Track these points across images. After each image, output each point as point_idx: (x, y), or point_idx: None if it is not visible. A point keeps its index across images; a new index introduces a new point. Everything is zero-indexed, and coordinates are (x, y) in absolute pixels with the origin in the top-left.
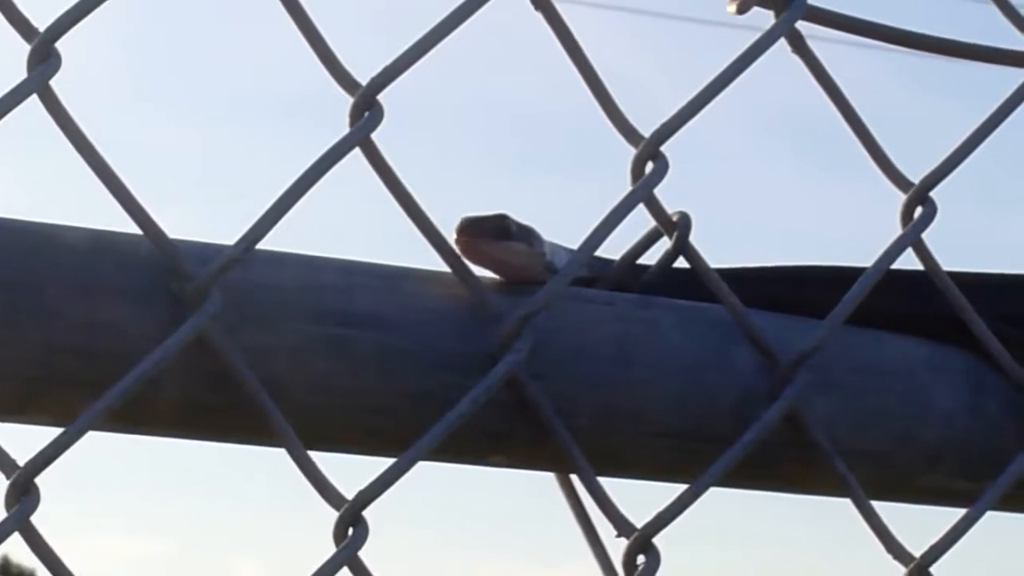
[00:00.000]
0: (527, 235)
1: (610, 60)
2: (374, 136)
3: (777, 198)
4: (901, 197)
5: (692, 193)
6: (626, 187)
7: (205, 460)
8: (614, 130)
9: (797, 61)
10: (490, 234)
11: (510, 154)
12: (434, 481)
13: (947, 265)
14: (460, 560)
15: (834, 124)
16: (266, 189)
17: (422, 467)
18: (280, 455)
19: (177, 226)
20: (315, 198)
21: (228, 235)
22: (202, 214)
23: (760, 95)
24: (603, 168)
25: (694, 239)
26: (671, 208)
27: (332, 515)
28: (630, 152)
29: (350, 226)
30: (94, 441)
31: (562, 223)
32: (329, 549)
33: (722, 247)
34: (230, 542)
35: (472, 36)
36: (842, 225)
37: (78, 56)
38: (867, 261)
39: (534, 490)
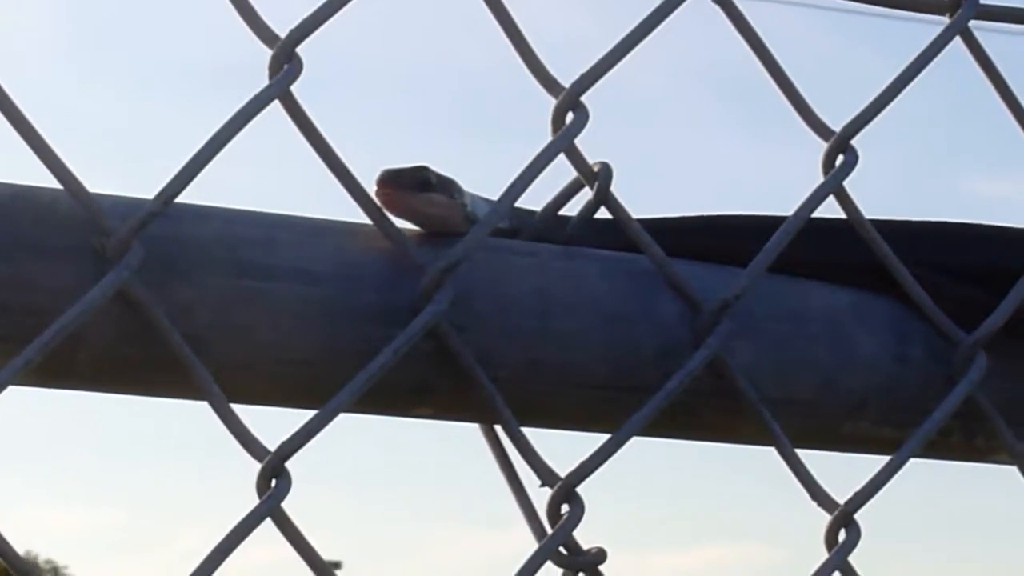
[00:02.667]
0: (447, 186)
1: (553, 22)
2: (293, 89)
3: (710, 153)
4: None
5: (622, 149)
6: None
7: (153, 430)
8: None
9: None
10: (410, 186)
11: (448, 118)
12: (374, 454)
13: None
14: (410, 529)
15: (764, 79)
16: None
17: (363, 432)
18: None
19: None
20: (237, 152)
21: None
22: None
23: (693, 51)
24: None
25: (616, 190)
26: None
27: None
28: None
29: (272, 181)
30: (35, 413)
31: (498, 186)
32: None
33: (652, 203)
34: (179, 511)
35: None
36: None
37: (12, 19)
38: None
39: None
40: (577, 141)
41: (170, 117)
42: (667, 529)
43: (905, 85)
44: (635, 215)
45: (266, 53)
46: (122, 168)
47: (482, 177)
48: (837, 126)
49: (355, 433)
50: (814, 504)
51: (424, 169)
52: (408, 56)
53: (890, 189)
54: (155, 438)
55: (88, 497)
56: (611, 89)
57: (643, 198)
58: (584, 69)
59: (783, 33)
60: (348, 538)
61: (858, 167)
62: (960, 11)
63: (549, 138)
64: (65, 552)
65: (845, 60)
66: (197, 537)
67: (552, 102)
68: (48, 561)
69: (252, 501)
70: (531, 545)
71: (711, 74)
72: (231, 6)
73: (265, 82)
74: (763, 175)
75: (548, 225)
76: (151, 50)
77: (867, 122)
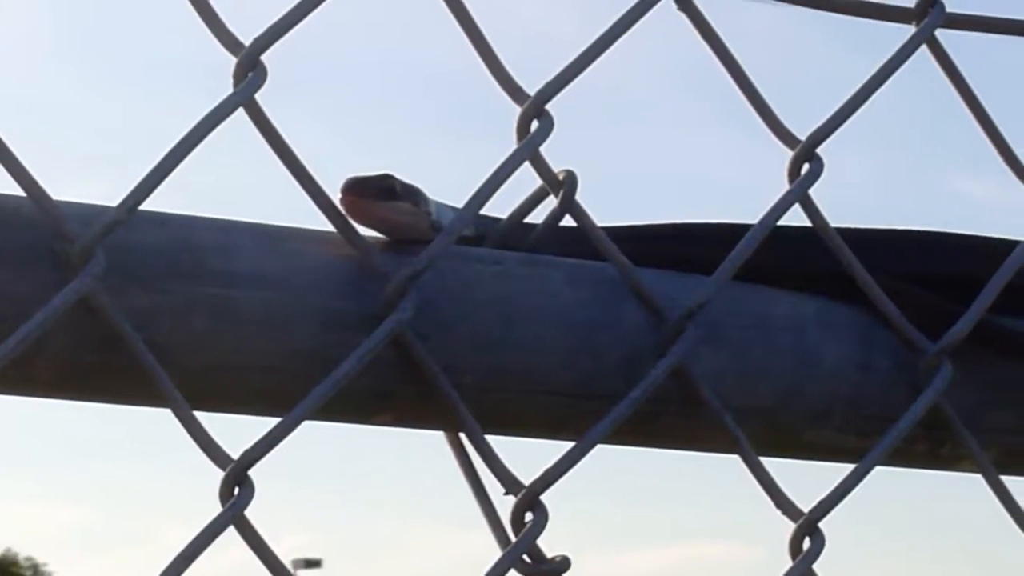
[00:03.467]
0: (412, 194)
1: (526, 16)
2: (258, 96)
3: (691, 152)
4: (788, 154)
5: (604, 149)
6: (512, 146)
7: (131, 430)
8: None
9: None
10: (375, 194)
11: (418, 117)
12: (353, 454)
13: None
14: (390, 529)
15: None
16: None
17: (342, 432)
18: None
19: (83, 190)
20: (200, 160)
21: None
22: (118, 177)
23: (675, 50)
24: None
25: (581, 197)
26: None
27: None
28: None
29: (234, 188)
30: (12, 411)
31: (471, 185)
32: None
33: (634, 201)
34: (157, 509)
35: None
36: (757, 176)
37: None
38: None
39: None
40: (546, 147)
41: (158, 115)
42: (642, 528)
43: (871, 93)
44: (603, 222)
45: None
46: (109, 165)
47: (456, 176)
48: (810, 126)
49: (335, 433)
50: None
51: (389, 177)
52: (381, 54)
53: (874, 189)
54: (133, 437)
55: (67, 495)
56: (592, 90)
57: (625, 197)
58: (549, 77)
59: (755, 31)
60: (328, 537)
61: (837, 167)
62: (926, 20)
63: (514, 146)
64: (45, 550)
65: (818, 57)
66: (175, 535)
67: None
68: (28, 558)
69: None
70: (497, 551)
71: (693, 73)
72: (192, 8)
73: (229, 89)
74: (745, 172)
75: (513, 232)
76: (137, 48)
77: (833, 131)
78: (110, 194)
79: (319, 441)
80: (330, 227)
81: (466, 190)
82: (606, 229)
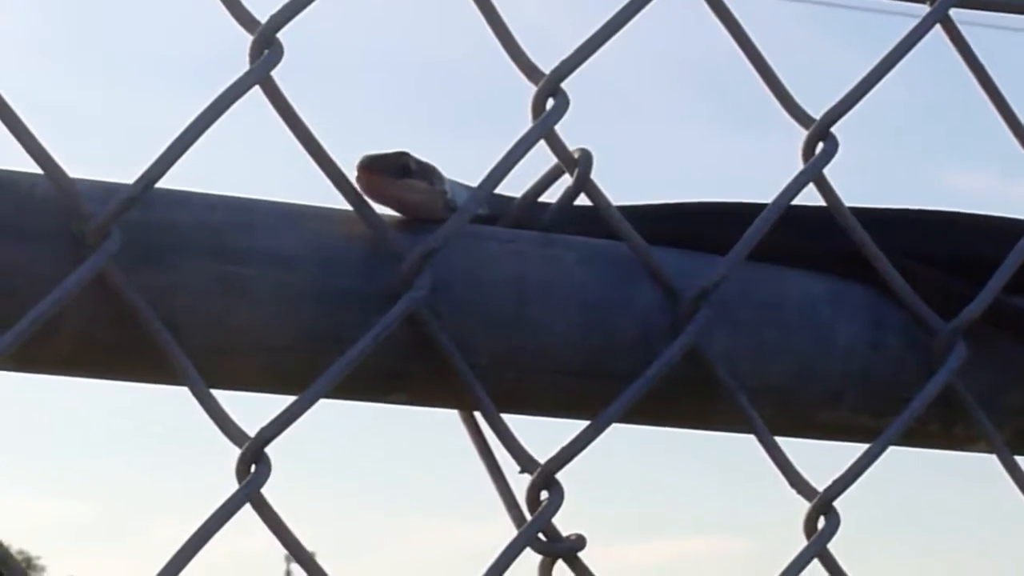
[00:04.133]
0: (427, 173)
1: (526, 16)
2: (274, 74)
3: (686, 146)
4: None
5: (600, 143)
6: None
7: (124, 423)
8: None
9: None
10: (390, 171)
11: (425, 106)
12: (347, 444)
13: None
14: (385, 520)
15: (743, 76)
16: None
17: (335, 422)
18: (187, 397)
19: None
20: (216, 138)
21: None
22: (112, 173)
23: (670, 46)
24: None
25: (596, 177)
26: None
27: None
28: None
29: (251, 166)
30: (5, 403)
31: (476, 176)
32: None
33: (630, 195)
34: (150, 503)
35: None
36: (751, 170)
37: None
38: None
39: (451, 445)
40: (557, 128)
41: (150, 110)
42: (637, 521)
43: (885, 73)
44: (614, 203)
45: (245, 40)
46: (103, 161)
47: (459, 168)
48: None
49: (328, 422)
50: (791, 493)
51: (404, 155)
52: (385, 44)
53: (872, 183)
54: (125, 432)
55: (60, 489)
56: (589, 83)
57: (621, 190)
58: (564, 56)
59: (765, 27)
60: (321, 529)
61: (838, 158)
62: None
63: (529, 124)
64: (38, 543)
65: (827, 56)
66: (169, 528)
67: (532, 89)
68: (21, 552)
69: (231, 487)
70: (509, 534)
71: (687, 69)
72: None
73: (245, 67)
74: (739, 166)
75: (527, 212)
76: (129, 43)
77: (847, 110)
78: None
79: (309, 429)
80: (345, 205)
81: (463, 177)
82: (620, 208)
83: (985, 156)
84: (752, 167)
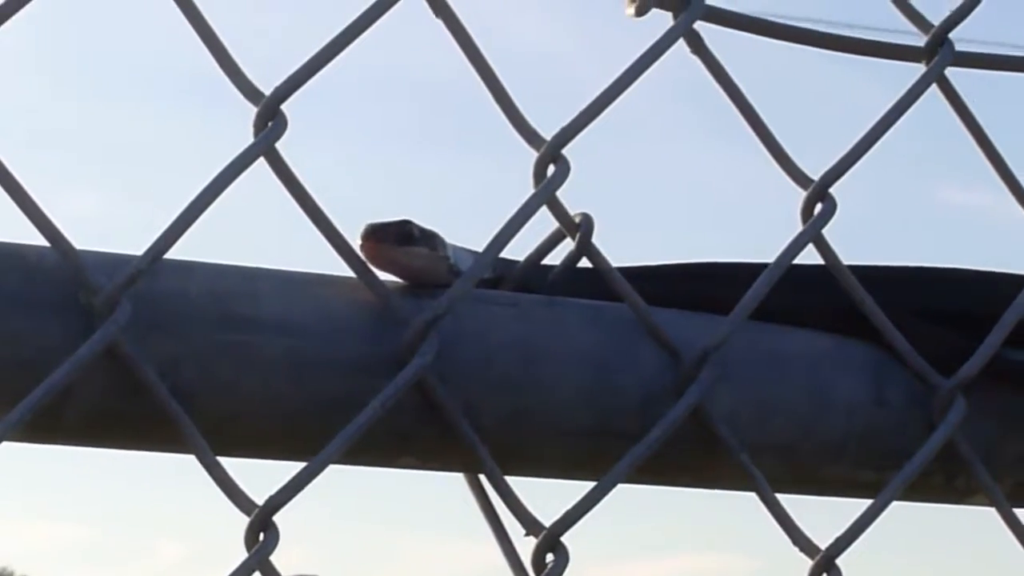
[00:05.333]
0: (430, 239)
1: (527, 35)
2: (278, 145)
3: (688, 166)
4: (802, 193)
5: (601, 164)
6: (529, 188)
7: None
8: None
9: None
10: (393, 239)
11: (416, 132)
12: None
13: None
14: (385, 540)
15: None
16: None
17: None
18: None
19: (71, 203)
20: (221, 205)
21: (128, 215)
22: (106, 188)
23: (670, 65)
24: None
25: (598, 239)
26: (576, 207)
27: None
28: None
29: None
30: None
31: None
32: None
33: (634, 215)
34: (152, 526)
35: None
36: (751, 189)
37: None
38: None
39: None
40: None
41: (146, 127)
42: (640, 539)
43: (883, 133)
44: (617, 261)
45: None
46: (97, 179)
47: (456, 190)
48: (821, 152)
49: None
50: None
51: (407, 223)
52: (381, 68)
53: (864, 199)
54: (129, 455)
55: (64, 513)
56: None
57: (626, 211)
58: (565, 122)
59: (772, 61)
60: (322, 550)
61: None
62: (936, 59)
63: (531, 190)
64: (42, 567)
65: (838, 86)
66: (173, 551)
67: (534, 155)
68: None
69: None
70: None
71: (689, 88)
72: (211, 56)
73: (250, 138)
74: (739, 185)
75: (530, 274)
76: (122, 57)
77: (845, 170)
78: (98, 208)
79: None
80: (351, 273)
81: (466, 204)
82: (622, 270)
83: (979, 173)
84: (751, 184)
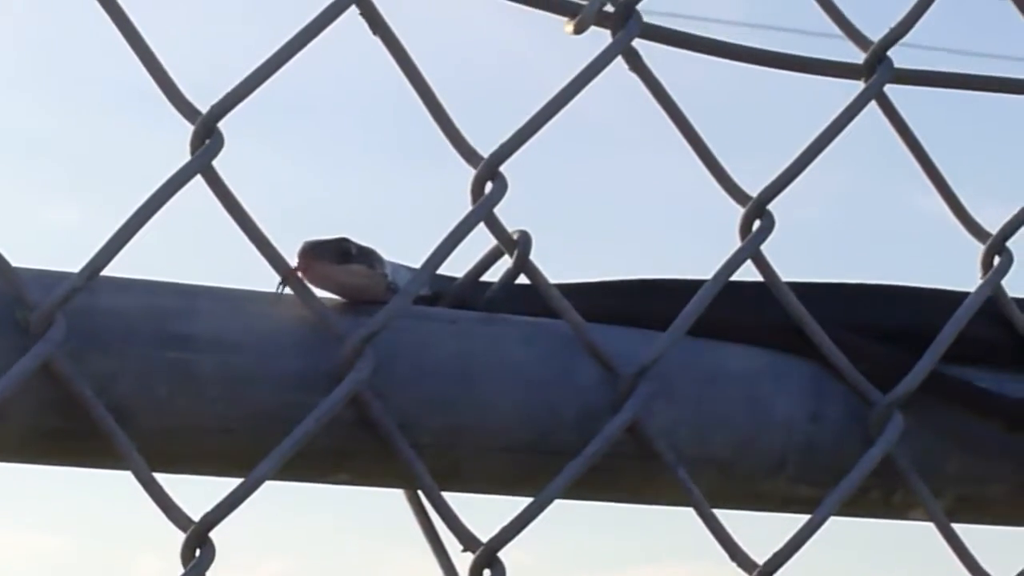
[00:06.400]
0: (367, 257)
1: (495, 35)
2: (215, 163)
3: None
4: (739, 210)
5: (567, 173)
6: (466, 206)
7: None
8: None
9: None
10: (330, 257)
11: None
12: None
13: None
14: (364, 551)
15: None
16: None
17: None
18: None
19: (52, 218)
20: (158, 222)
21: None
22: (84, 203)
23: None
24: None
25: (536, 256)
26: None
27: (242, 509)
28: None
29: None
30: None
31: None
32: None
33: (602, 223)
34: (129, 538)
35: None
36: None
37: None
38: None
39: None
40: (498, 210)
41: (125, 141)
42: (622, 548)
43: (821, 150)
44: (553, 279)
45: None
46: (77, 193)
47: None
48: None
49: None
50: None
51: (344, 241)
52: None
53: (836, 205)
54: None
55: (41, 524)
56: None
57: (594, 220)
58: (503, 139)
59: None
60: (300, 561)
61: (792, 193)
62: (874, 77)
63: (468, 207)
64: None
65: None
66: (149, 565)
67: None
68: None
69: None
70: None
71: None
72: (148, 75)
73: (186, 156)
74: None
75: (469, 291)
76: (102, 74)
77: (782, 188)
78: (79, 222)
79: None
80: (288, 290)
81: (410, 218)
82: (559, 286)
83: (954, 180)
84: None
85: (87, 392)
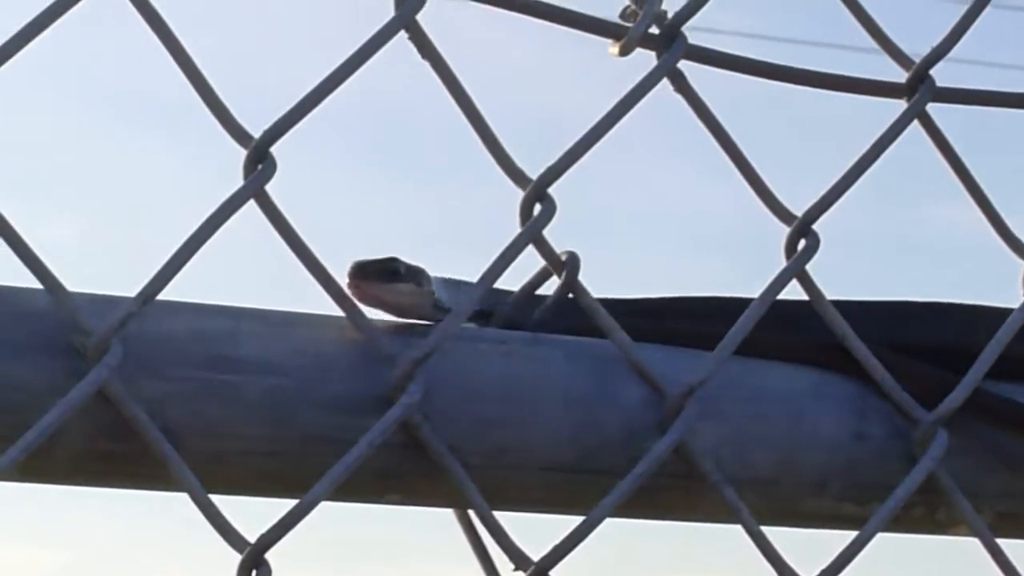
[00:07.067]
0: (416, 275)
1: (499, 57)
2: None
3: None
4: (785, 229)
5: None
6: (515, 227)
7: None
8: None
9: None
10: (379, 277)
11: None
12: None
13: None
14: (389, 566)
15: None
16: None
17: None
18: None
19: (51, 231)
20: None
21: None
22: (84, 216)
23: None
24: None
25: (584, 276)
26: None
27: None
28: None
29: (242, 272)
30: None
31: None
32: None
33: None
34: (139, 553)
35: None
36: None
37: None
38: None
39: None
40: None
41: (125, 154)
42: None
43: (864, 170)
44: (601, 294)
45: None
46: (77, 205)
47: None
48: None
49: None
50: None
51: (393, 260)
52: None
53: (848, 214)
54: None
55: (50, 538)
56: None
57: (608, 231)
58: (551, 161)
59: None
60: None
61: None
62: (916, 96)
63: (517, 228)
64: None
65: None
66: None
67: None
68: None
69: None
70: None
71: (665, 109)
72: (200, 99)
73: (239, 181)
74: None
75: (521, 308)
76: (107, 86)
77: (827, 207)
78: (79, 236)
79: None
80: (337, 311)
81: (455, 233)
82: (605, 302)
83: (964, 189)
84: (724, 202)
85: (141, 415)
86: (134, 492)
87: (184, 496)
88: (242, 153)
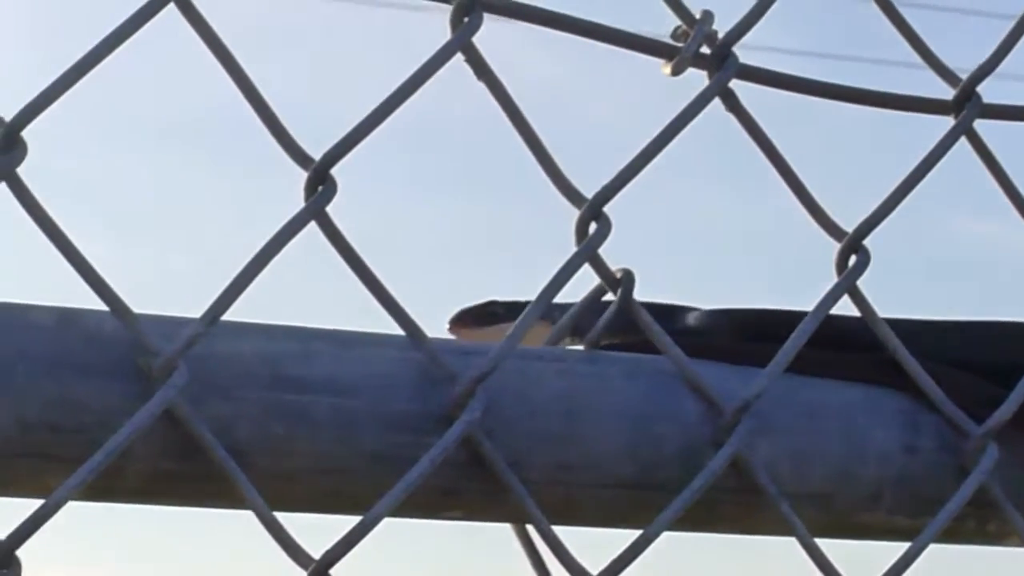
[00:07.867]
0: (514, 312)
1: (526, 66)
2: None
3: (694, 204)
4: (835, 246)
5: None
6: (570, 246)
7: None
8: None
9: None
10: (479, 321)
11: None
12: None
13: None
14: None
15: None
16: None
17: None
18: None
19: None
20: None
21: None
22: (108, 236)
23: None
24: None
25: (639, 293)
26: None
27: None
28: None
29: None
30: None
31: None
32: None
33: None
34: (176, 567)
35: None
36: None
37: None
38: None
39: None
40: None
41: (154, 174)
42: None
43: (913, 187)
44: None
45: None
46: (107, 227)
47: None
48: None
49: None
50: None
51: (492, 303)
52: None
53: (885, 230)
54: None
55: (89, 559)
56: (589, 135)
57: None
58: (606, 180)
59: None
60: None
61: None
62: (964, 112)
63: (572, 247)
64: None
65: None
66: None
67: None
68: None
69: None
70: None
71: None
72: (260, 121)
73: (300, 203)
74: (749, 225)
75: (582, 320)
76: (128, 106)
77: (877, 223)
78: (109, 256)
79: None
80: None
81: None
82: (653, 311)
83: (992, 202)
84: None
85: (208, 435)
86: (197, 510)
87: (246, 513)
88: (302, 175)
